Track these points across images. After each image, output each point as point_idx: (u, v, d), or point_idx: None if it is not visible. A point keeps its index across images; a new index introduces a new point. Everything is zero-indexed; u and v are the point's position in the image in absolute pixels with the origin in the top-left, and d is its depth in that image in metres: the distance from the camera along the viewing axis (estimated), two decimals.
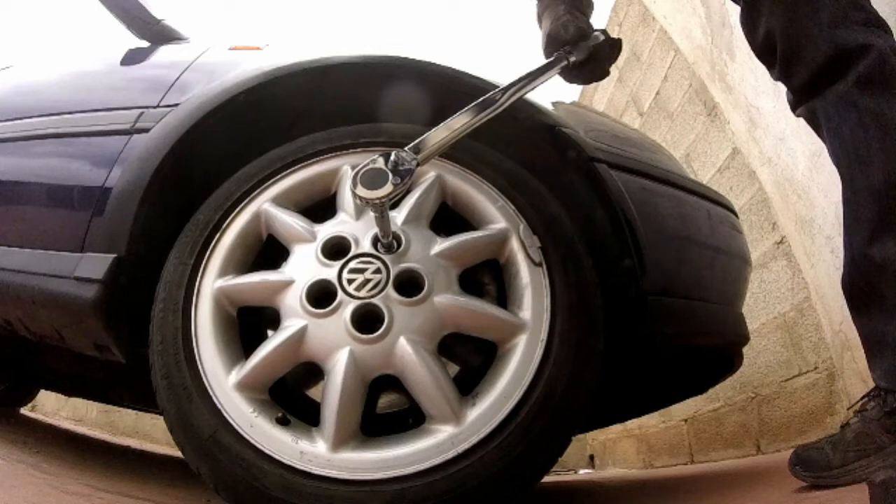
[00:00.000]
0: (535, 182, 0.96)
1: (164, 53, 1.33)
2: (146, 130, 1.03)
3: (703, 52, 2.20)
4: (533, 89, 0.93)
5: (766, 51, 0.94)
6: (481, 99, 0.85)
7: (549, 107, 1.05)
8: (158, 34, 1.40)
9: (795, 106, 0.95)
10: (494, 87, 1.00)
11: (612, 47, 1.06)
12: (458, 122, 0.82)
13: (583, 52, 1.01)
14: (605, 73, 1.09)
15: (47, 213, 1.11)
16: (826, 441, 0.85)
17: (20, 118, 1.22)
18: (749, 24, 0.96)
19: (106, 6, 1.40)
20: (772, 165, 1.85)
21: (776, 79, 0.96)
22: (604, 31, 1.06)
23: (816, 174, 1.57)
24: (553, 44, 1.03)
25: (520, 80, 0.90)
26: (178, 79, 1.13)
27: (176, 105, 1.05)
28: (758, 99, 1.83)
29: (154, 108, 1.08)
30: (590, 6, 1.10)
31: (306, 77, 1.01)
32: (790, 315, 1.89)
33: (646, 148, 1.18)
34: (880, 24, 0.86)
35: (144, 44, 1.40)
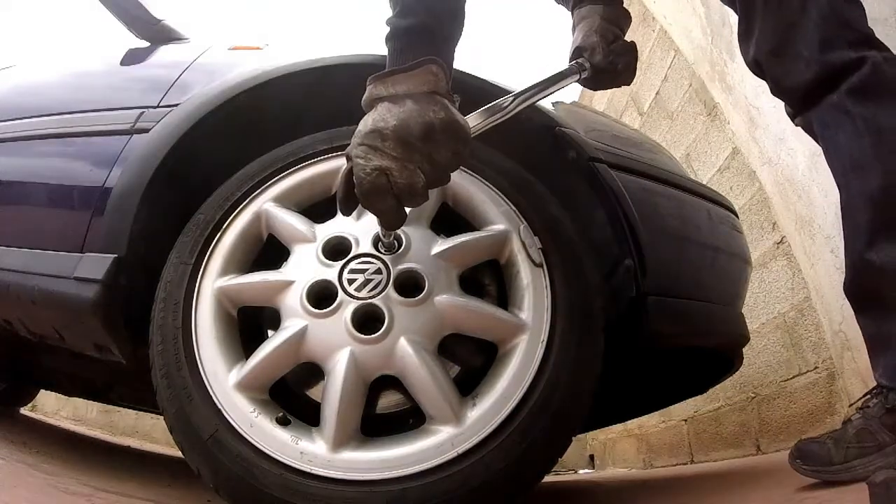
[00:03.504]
0: (535, 182, 0.96)
1: (164, 53, 1.33)
2: (146, 130, 1.03)
3: (703, 52, 2.20)
4: (543, 98, 0.92)
5: (758, 70, 0.95)
6: (490, 105, 0.84)
7: (550, 107, 1.05)
8: (158, 34, 1.40)
9: (793, 116, 0.96)
10: (495, 87, 1.00)
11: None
12: None
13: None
14: (629, 80, 1.07)
15: (47, 213, 1.10)
16: (828, 436, 0.86)
17: (21, 118, 1.22)
18: (743, 42, 0.96)
19: (106, 6, 1.40)
20: (772, 165, 1.85)
21: (772, 94, 0.96)
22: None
23: (816, 174, 1.57)
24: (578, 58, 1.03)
25: (531, 88, 0.90)
26: (178, 79, 1.13)
27: (176, 105, 1.05)
28: (758, 99, 1.83)
29: (154, 108, 1.08)
30: (626, 19, 1.08)
31: (306, 77, 1.01)
32: (790, 315, 1.89)
33: (646, 148, 1.18)
34: (872, 45, 0.86)
35: (144, 44, 1.40)
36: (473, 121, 0.81)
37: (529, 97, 0.89)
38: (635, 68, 1.06)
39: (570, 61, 1.03)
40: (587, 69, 1.00)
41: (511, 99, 0.86)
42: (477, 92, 0.95)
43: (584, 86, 1.05)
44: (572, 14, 1.12)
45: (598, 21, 1.04)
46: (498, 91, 1.00)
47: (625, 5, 1.10)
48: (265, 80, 1.01)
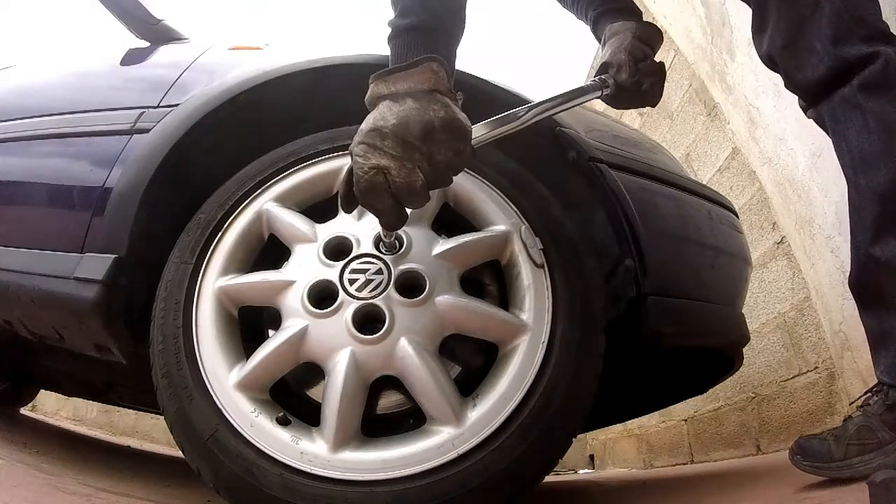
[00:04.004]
0: (536, 183, 0.96)
1: (164, 53, 1.33)
2: (146, 131, 1.03)
3: (703, 52, 2.20)
4: (560, 112, 0.91)
5: (771, 64, 0.95)
6: (503, 114, 0.83)
7: None
8: (158, 34, 1.40)
9: (805, 109, 0.96)
10: (497, 87, 1.00)
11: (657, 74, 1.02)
12: (474, 134, 0.77)
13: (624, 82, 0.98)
14: (654, 102, 1.04)
15: (48, 213, 1.10)
16: (829, 433, 0.86)
17: (21, 118, 1.22)
18: (757, 37, 0.96)
19: (106, 6, 1.40)
20: (772, 165, 1.85)
21: (786, 88, 0.96)
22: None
23: (816, 174, 1.57)
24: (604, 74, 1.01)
25: (549, 100, 0.89)
26: (178, 79, 1.13)
27: (176, 105, 1.05)
28: (758, 99, 1.83)
29: (154, 108, 1.08)
30: (658, 38, 1.06)
31: (307, 77, 1.01)
32: (790, 315, 1.90)
33: (646, 148, 1.18)
34: (886, 40, 0.86)
35: (144, 44, 1.40)
36: (485, 129, 0.80)
37: (546, 109, 0.87)
38: (661, 90, 1.03)
39: (595, 76, 1.01)
40: (610, 86, 0.98)
41: (526, 110, 0.85)
42: (475, 91, 0.95)
43: (607, 103, 1.02)
44: (592, 27, 1.11)
45: (629, 38, 1.01)
46: (497, 91, 1.00)
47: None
48: (265, 80, 1.01)
